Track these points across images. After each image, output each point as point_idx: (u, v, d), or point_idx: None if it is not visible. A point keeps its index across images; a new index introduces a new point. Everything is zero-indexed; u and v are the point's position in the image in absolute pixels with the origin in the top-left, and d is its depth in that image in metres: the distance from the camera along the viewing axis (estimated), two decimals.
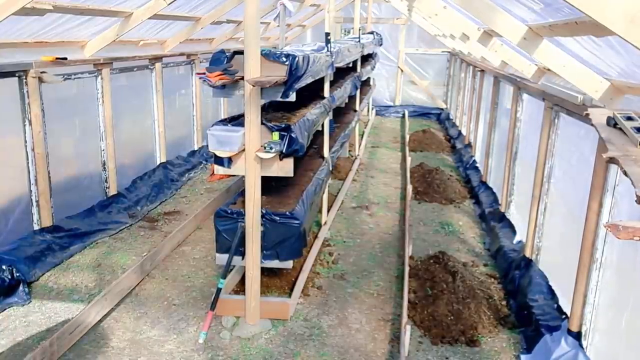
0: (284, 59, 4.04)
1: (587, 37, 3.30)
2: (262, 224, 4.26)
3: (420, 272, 5.08)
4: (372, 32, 11.62)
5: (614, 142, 2.49)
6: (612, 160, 2.26)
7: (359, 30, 10.00)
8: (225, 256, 4.34)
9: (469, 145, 9.83)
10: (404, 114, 14.76)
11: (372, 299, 4.88)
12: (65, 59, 5.53)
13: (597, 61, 3.53)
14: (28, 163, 5.31)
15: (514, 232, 5.78)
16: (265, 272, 4.68)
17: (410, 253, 5.60)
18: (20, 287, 4.66)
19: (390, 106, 15.44)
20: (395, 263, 5.65)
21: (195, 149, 9.26)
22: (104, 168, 6.66)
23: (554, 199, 4.70)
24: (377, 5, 14.65)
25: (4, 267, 4.64)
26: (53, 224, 5.57)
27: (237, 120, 4.45)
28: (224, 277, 4.35)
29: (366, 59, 10.22)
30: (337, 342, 4.20)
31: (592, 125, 3.06)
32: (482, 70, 8.98)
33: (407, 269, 5.09)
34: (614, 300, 3.39)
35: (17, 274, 4.70)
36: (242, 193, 4.41)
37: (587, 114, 3.27)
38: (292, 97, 4.20)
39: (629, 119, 2.74)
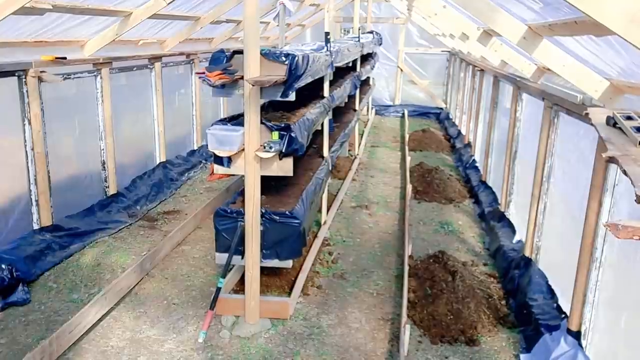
0: (284, 59, 4.05)
1: (586, 37, 3.30)
2: (261, 224, 4.26)
3: (419, 271, 5.08)
4: (371, 32, 11.62)
5: (614, 141, 2.49)
6: (611, 159, 2.26)
7: (359, 29, 10.00)
8: (225, 255, 4.35)
9: (469, 144, 9.83)
10: (403, 114, 14.76)
11: (372, 299, 4.89)
12: (65, 58, 5.52)
13: (597, 61, 3.53)
14: (28, 162, 5.30)
15: (513, 231, 5.78)
16: (264, 271, 4.68)
17: (409, 252, 5.60)
18: (20, 287, 4.65)
19: (389, 106, 15.44)
20: (394, 262, 5.65)
21: (195, 148, 9.25)
22: (104, 167, 6.66)
23: (554, 199, 4.70)
24: (376, 5, 14.66)
25: (3, 266, 4.63)
26: (53, 224, 5.56)
27: (236, 119, 4.45)
28: (224, 276, 4.35)
29: (366, 58, 10.22)
30: (337, 341, 4.21)
31: (591, 124, 3.06)
32: (482, 70, 8.98)
33: (406, 268, 5.09)
34: (613, 299, 3.39)
35: (17, 273, 4.69)
36: (242, 192, 4.41)
37: (587, 114, 3.28)
38: (292, 96, 4.20)
39: (629, 118, 2.74)
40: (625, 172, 2.06)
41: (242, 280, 4.59)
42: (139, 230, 6.35)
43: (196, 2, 7.24)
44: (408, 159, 9.26)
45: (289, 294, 4.71)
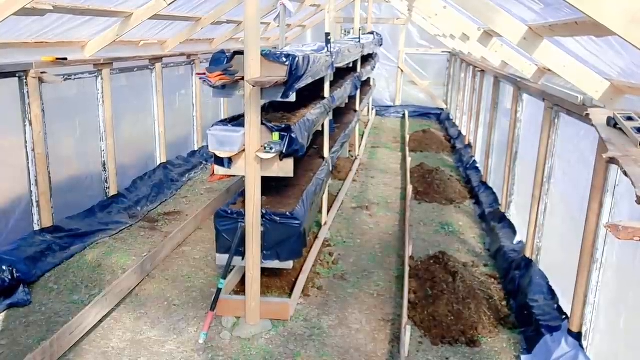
0: (284, 59, 4.05)
1: (587, 37, 3.30)
2: (262, 224, 4.26)
3: (420, 272, 5.08)
4: (372, 33, 11.63)
5: (614, 142, 2.49)
6: (612, 160, 2.26)
7: (359, 30, 10.00)
8: (226, 256, 4.35)
9: (469, 145, 9.83)
10: (404, 114, 14.76)
11: (373, 299, 4.88)
12: (66, 59, 5.53)
13: (597, 61, 3.53)
14: (28, 163, 5.31)
15: (514, 232, 5.78)
16: (265, 272, 4.68)
17: (410, 253, 5.60)
18: (21, 288, 4.65)
19: (390, 106, 15.44)
20: (395, 263, 5.65)
21: (196, 149, 9.26)
22: (104, 168, 6.66)
23: (554, 200, 4.70)
24: (377, 6, 14.66)
25: (4, 267, 4.64)
26: (53, 225, 5.57)
27: (237, 120, 4.45)
28: (224, 277, 4.35)
29: (366, 59, 10.23)
30: (338, 342, 4.20)
31: (592, 125, 3.06)
32: (482, 71, 8.98)
33: (407, 269, 5.09)
34: (614, 300, 3.39)
35: (18, 274, 4.69)
36: (242, 193, 4.41)
37: (588, 114, 3.28)
38: (292, 97, 4.20)
39: (629, 119, 2.74)
40: (625, 173, 2.06)
41: (242, 281, 4.59)
42: (139, 231, 6.35)
43: (197, 3, 7.25)
44: (408, 159, 9.26)
45: (290, 295, 4.71)
